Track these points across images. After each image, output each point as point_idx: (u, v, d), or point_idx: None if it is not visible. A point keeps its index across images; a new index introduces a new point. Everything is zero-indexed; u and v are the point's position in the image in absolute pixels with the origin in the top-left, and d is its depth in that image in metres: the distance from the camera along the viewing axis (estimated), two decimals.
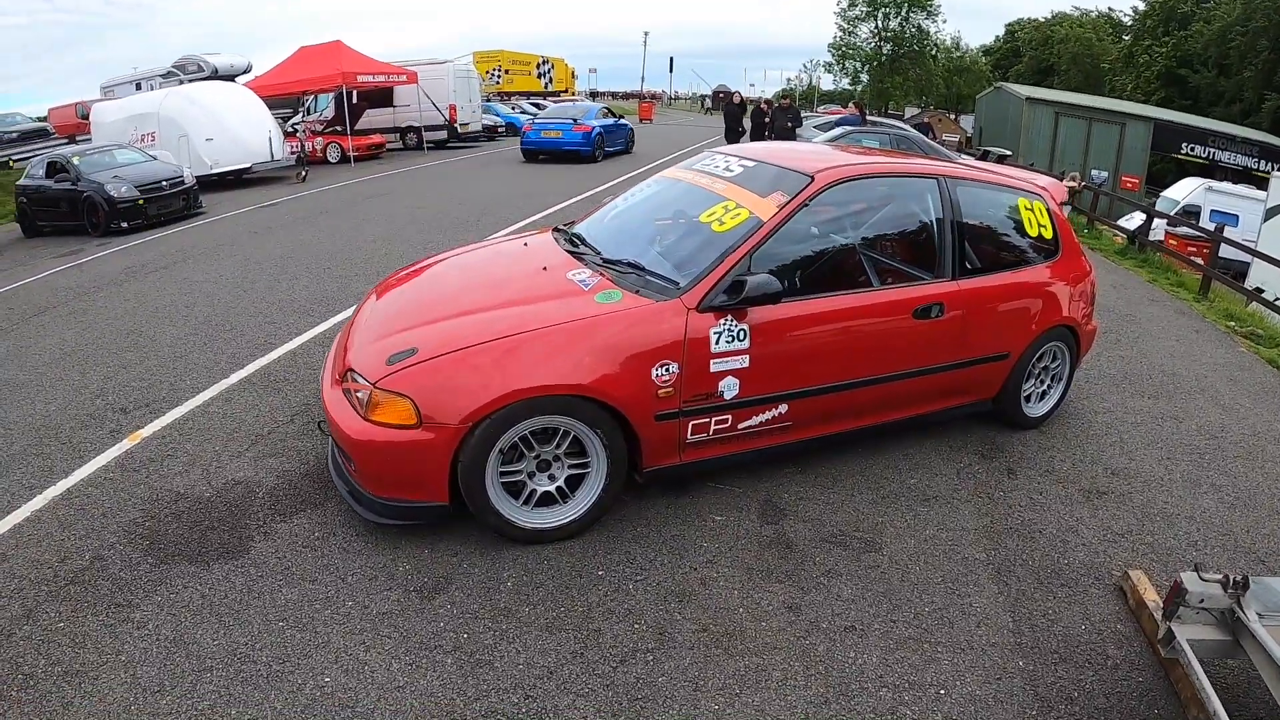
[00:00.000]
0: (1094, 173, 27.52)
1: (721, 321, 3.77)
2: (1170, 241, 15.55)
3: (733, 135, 20.97)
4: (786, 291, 3.91)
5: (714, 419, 3.91)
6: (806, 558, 3.81)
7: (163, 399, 5.67)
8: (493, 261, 5.00)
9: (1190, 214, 19.37)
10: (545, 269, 4.39)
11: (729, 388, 3.85)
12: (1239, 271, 15.21)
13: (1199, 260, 11.77)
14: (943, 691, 3.04)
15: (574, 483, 3.83)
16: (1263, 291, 12.09)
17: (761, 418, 4.04)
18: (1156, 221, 15.13)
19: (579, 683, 3.02)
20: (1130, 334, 7.89)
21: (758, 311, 3.84)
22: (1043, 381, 5.26)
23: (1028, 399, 5.18)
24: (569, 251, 4.62)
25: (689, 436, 3.92)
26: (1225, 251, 12.69)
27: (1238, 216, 19.78)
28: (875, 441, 4.88)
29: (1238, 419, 5.82)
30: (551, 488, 3.79)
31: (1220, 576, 2.86)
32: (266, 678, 3.03)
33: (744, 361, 3.84)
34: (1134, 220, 16.22)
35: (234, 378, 6.00)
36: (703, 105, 72.35)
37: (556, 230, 5.18)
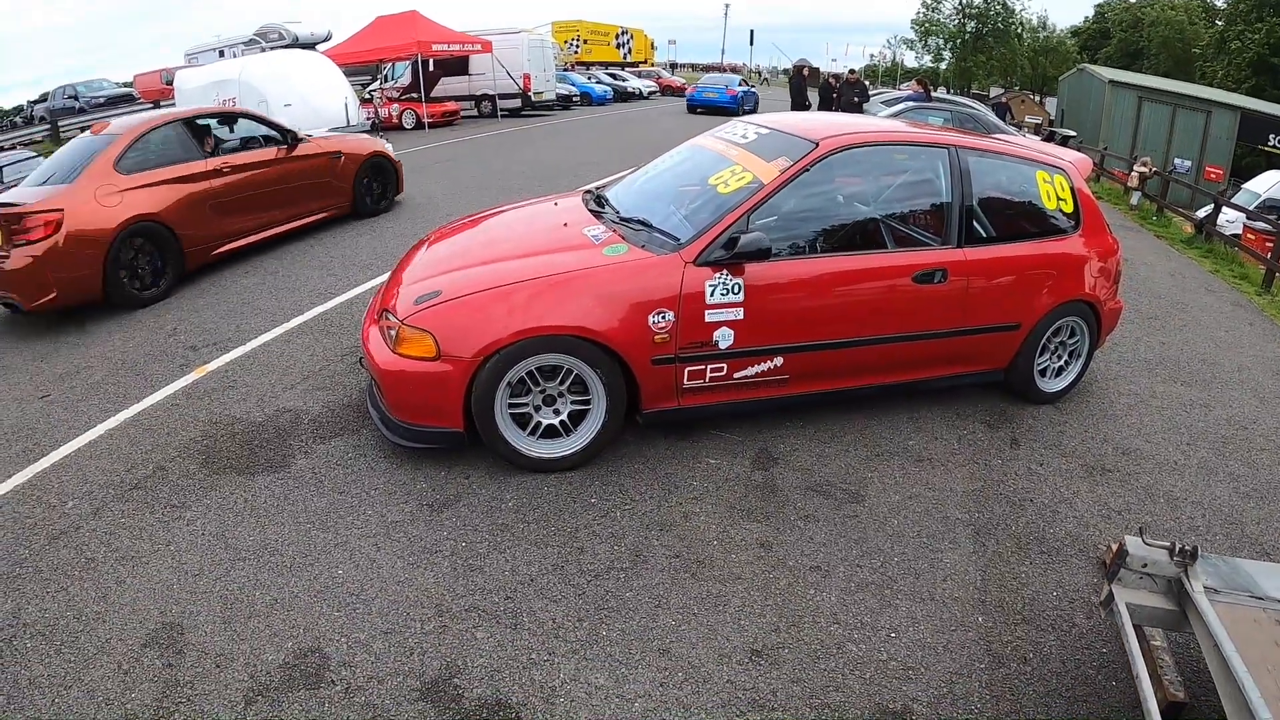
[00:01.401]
0: (1177, 161, 26.70)
1: (717, 275, 4.02)
2: (1249, 237, 15.07)
3: (799, 108, 20.80)
4: (792, 252, 4.19)
5: (709, 366, 4.16)
6: (788, 502, 4.04)
7: (229, 339, 6.16)
8: (525, 217, 5.32)
9: (1272, 209, 18.75)
10: (565, 225, 4.72)
11: (724, 338, 4.10)
12: None
13: (1265, 255, 11.40)
14: (893, 635, 3.21)
15: (577, 419, 4.16)
16: None
17: (757, 369, 4.27)
18: (1231, 214, 14.73)
19: (555, 590, 3.36)
20: (1176, 321, 7.79)
21: (754, 269, 4.08)
22: (1059, 357, 5.30)
23: (1043, 373, 5.25)
24: (592, 211, 4.92)
25: (686, 382, 4.19)
26: None
27: None
28: (883, 404, 5.05)
29: (1274, 412, 5.72)
30: (555, 421, 4.13)
31: (1167, 544, 2.84)
32: (290, 568, 3.49)
33: (739, 314, 4.08)
34: (1208, 210, 15.80)
35: (294, 321, 6.47)
36: (759, 75, 71.01)
37: (587, 192, 5.46)
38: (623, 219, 4.63)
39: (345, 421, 4.76)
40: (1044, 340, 5.10)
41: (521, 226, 5.10)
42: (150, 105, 28.47)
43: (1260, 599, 2.76)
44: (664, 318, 3.98)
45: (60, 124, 27.78)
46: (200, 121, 8.52)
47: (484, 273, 4.16)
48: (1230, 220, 16.38)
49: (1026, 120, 26.73)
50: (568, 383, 4.05)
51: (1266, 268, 10.78)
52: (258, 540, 3.67)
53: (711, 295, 4.02)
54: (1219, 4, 55.65)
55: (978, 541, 3.84)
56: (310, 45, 29.11)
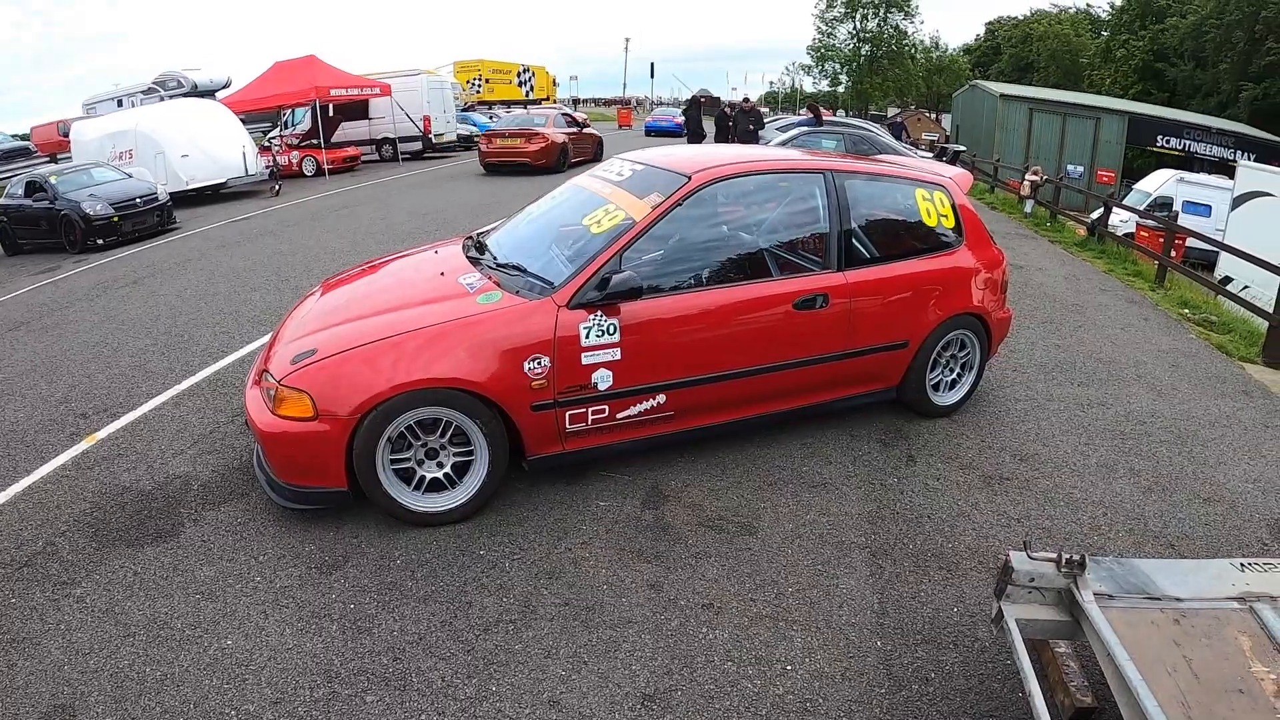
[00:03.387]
0: (1070, 168, 27.72)
1: (591, 317, 4.01)
2: (1142, 235, 15.68)
3: (695, 139, 21.02)
4: (671, 288, 4.21)
5: (591, 409, 4.14)
6: (679, 540, 4.01)
7: (119, 404, 6.01)
8: (404, 268, 5.27)
9: (1162, 206, 19.51)
10: (442, 274, 4.68)
11: (602, 379, 4.08)
12: (1210, 263, 15.34)
13: (1155, 251, 11.87)
14: (789, 667, 3.19)
15: (461, 470, 4.10)
16: (1230, 281, 12.18)
17: (640, 408, 4.26)
18: (1123, 214, 15.28)
19: (443, 647, 3.29)
20: (1071, 323, 8.03)
21: (629, 308, 4.08)
22: (952, 370, 5.40)
23: (936, 387, 5.35)
24: (470, 258, 4.88)
25: (568, 426, 4.16)
26: (1195, 243, 12.67)
27: (1210, 207, 19.97)
28: (774, 430, 5.07)
29: (1172, 404, 5.92)
30: (440, 474, 4.07)
31: (1053, 555, 2.86)
32: (179, 641, 3.38)
33: (615, 354, 4.07)
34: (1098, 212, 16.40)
35: (185, 383, 6.32)
36: (647, 108, 71.84)
37: (468, 238, 5.43)
38: (499, 265, 4.61)
39: (234, 486, 4.63)
40: (934, 355, 5.19)
41: (402, 277, 5.05)
42: (47, 159, 27.80)
43: (1157, 599, 2.80)
44: (540, 363, 3.96)
45: None
46: None
47: (359, 328, 4.11)
48: (1123, 220, 17.00)
49: (923, 137, 27.45)
50: (449, 435, 4.00)
51: (1159, 263, 11.25)
52: (147, 614, 3.56)
53: (587, 337, 4.00)
54: (1103, 15, 58.11)
55: (874, 564, 3.85)
56: (210, 92, 28.70)
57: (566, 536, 4.05)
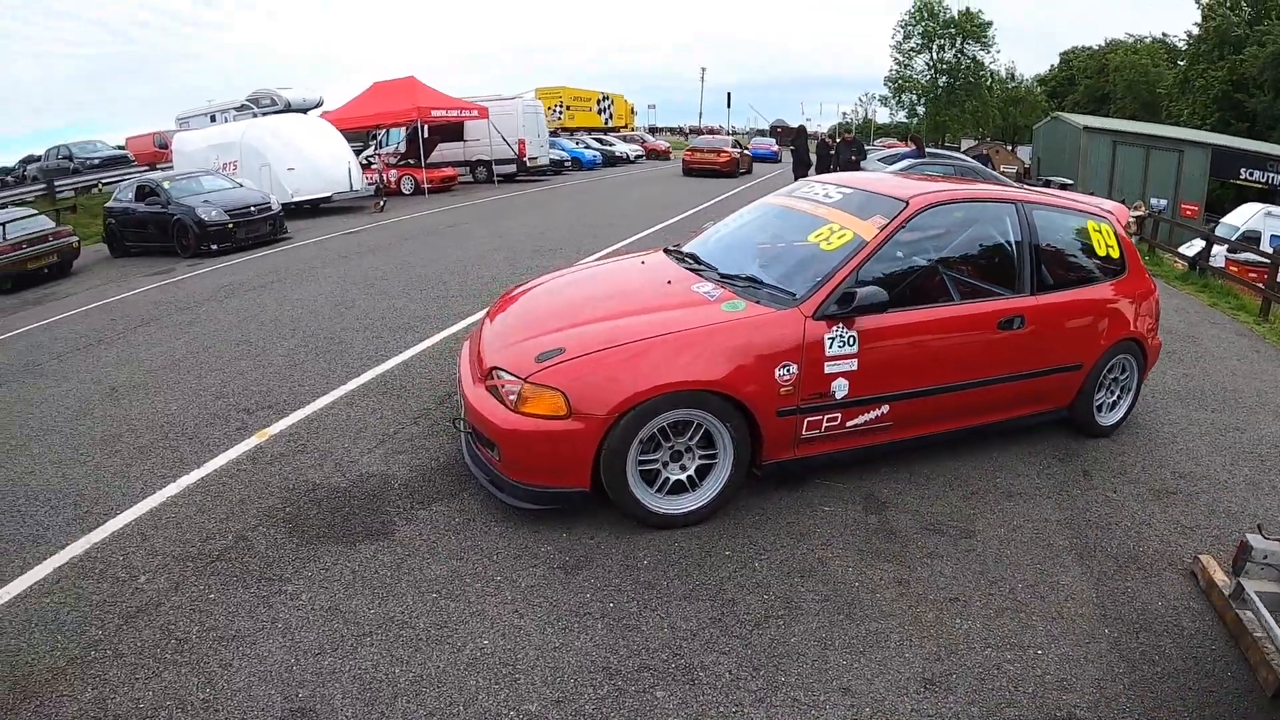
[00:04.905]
0: (1153, 201, 27.44)
1: (834, 328, 4.21)
2: (1231, 267, 15.60)
3: (801, 169, 21.33)
4: (891, 304, 4.37)
5: (825, 416, 4.33)
6: (909, 542, 4.21)
7: (284, 402, 6.09)
8: (617, 276, 5.48)
9: (1250, 239, 19.35)
10: (670, 282, 4.87)
11: (839, 388, 4.28)
12: None
13: (1260, 285, 11.87)
14: (1039, 652, 3.43)
15: (702, 473, 4.26)
16: None
17: (866, 417, 4.45)
18: (1216, 248, 15.23)
19: (720, 643, 3.42)
20: (1192, 353, 8.15)
21: (864, 320, 4.27)
22: (1113, 392, 5.58)
23: (1099, 408, 5.51)
24: (688, 269, 5.08)
25: (804, 432, 4.34)
26: None
27: None
28: (960, 446, 5.22)
29: None
30: (683, 476, 4.22)
31: None
32: (427, 641, 3.36)
33: (853, 365, 4.27)
34: (1194, 247, 16.32)
35: (352, 384, 6.40)
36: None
37: (668, 250, 5.65)
38: (725, 276, 4.78)
39: (441, 486, 4.67)
40: (1101, 377, 5.37)
41: (623, 283, 5.20)
42: (145, 168, 28.60)
43: None
44: (788, 370, 4.13)
45: (55, 184, 27.73)
46: None
47: (605, 329, 4.25)
48: (1214, 252, 16.96)
49: (1001, 169, 27.43)
50: (696, 437, 4.14)
51: (1263, 297, 11.25)
52: (380, 614, 3.53)
53: (830, 347, 4.19)
54: (1180, 45, 57.34)
55: (1083, 564, 4.08)
56: (302, 110, 29.41)
57: (804, 539, 4.22)
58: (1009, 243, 5.00)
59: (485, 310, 5.64)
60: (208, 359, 7.43)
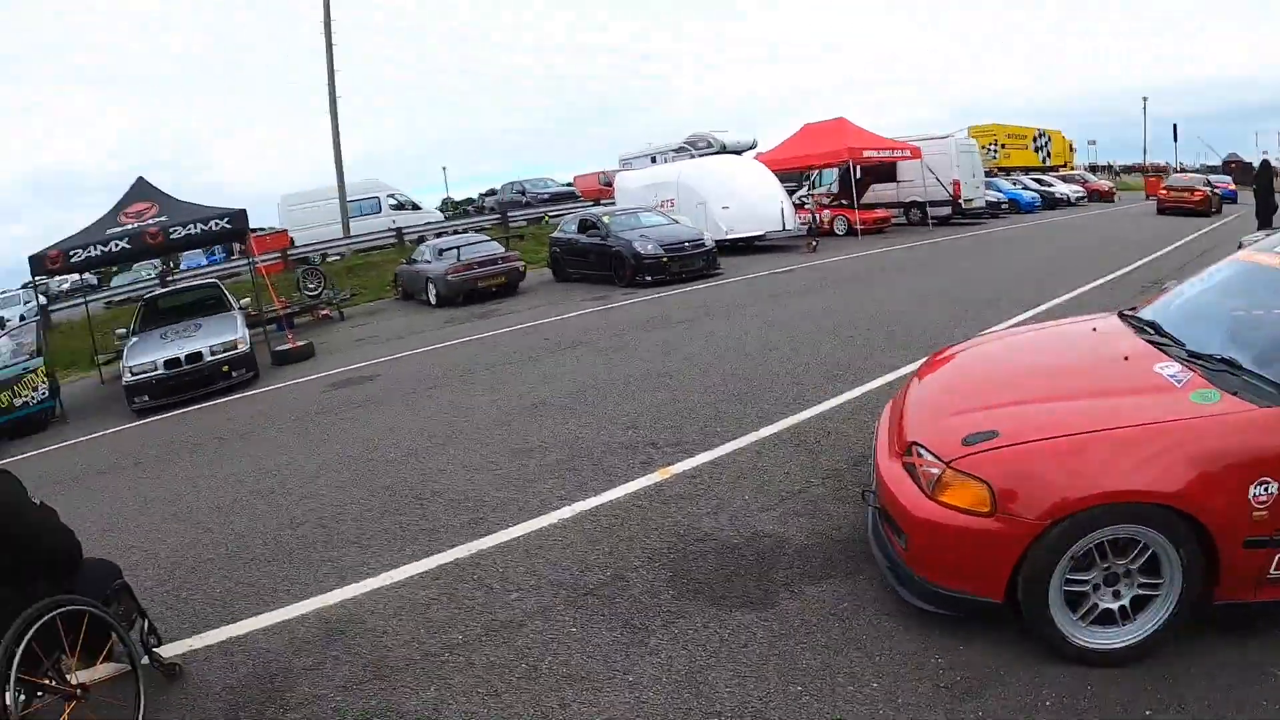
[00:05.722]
0: None
1: None
2: None
3: (1267, 211, 18.32)
4: None
5: None
6: None
7: (693, 441, 6.00)
8: (1061, 345, 4.65)
9: None
10: (1126, 358, 3.92)
11: None
12: None
13: None
14: None
15: (1137, 604, 3.31)
16: None
17: None
18: None
19: None
20: None
21: None
22: None
23: None
24: (1148, 341, 4.09)
25: (1272, 570, 3.20)
26: None
27: None
28: None
29: None
30: (1115, 605, 3.30)
31: None
32: None
33: None
34: None
35: (764, 431, 6.15)
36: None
37: (1123, 315, 4.66)
38: (1193, 355, 3.74)
39: (837, 561, 4.15)
40: None
41: (1069, 356, 4.38)
42: (590, 203, 31.23)
43: None
44: (1267, 489, 3.06)
45: (509, 214, 31.58)
46: None
47: (1044, 412, 3.50)
48: None
49: None
50: (1140, 560, 3.23)
51: None
52: (737, 695, 3.19)
53: None
54: None
55: None
56: (737, 152, 30.50)
57: (1246, 711, 3.05)
58: None
59: (913, 367, 4.99)
60: (627, 387, 7.74)
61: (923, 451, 3.61)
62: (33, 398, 11.86)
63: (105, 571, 3.77)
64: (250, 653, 4.03)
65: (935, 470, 3.46)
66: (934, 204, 25.52)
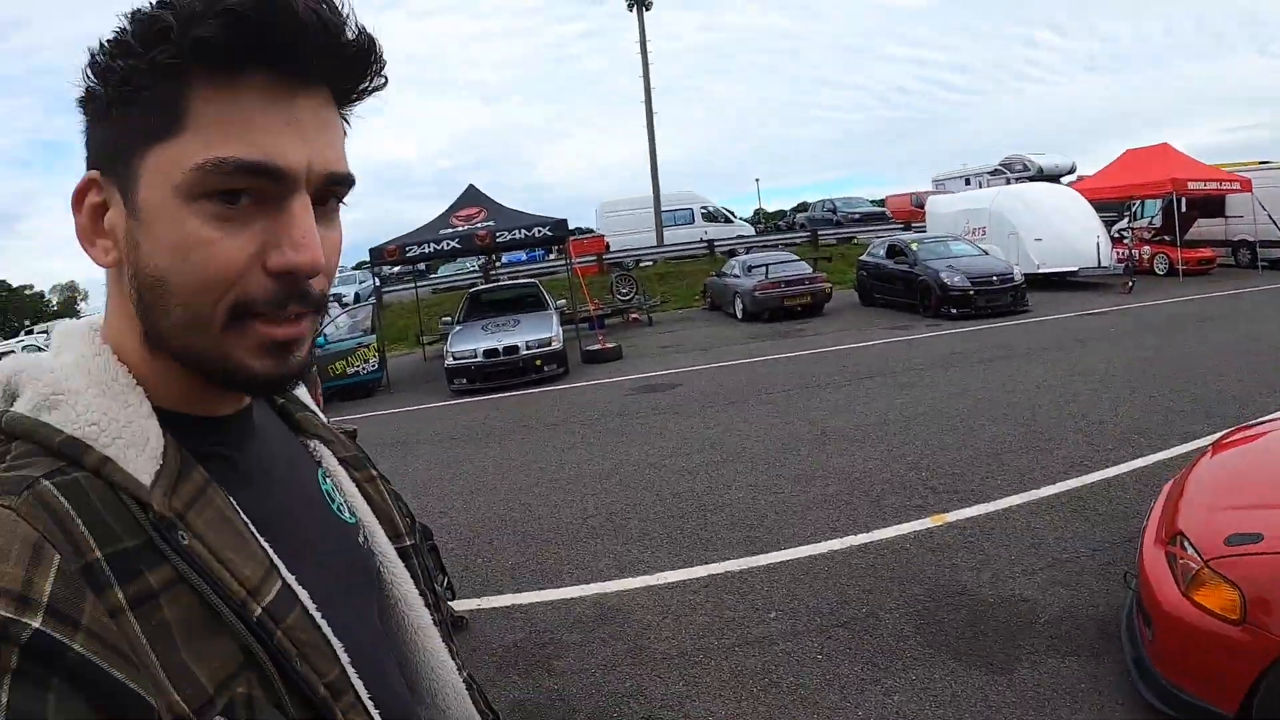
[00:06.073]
0: None
1: None
2: None
3: None
4: None
5: None
6: None
7: (971, 490, 6.06)
8: None
9: None
10: None
11: None
12: None
13: None
14: None
15: None
16: None
17: None
18: None
19: None
20: None
21: None
22: None
23: None
24: None
25: None
26: None
27: None
28: None
29: None
30: None
31: None
32: None
33: None
34: None
35: (1044, 490, 6.04)
36: None
37: None
38: None
39: (1086, 639, 4.05)
40: None
41: None
42: (901, 225, 30.82)
43: None
44: None
45: (819, 233, 31.63)
46: None
47: None
48: None
49: None
50: None
51: None
52: None
53: None
54: None
55: None
56: (1054, 177, 28.95)
57: None
58: None
59: (1212, 439, 4.84)
60: (915, 425, 7.89)
61: (1186, 544, 3.51)
62: (364, 368, 14.06)
63: (422, 532, 4.64)
64: (529, 621, 4.77)
65: (1193, 566, 3.37)
66: (1265, 244, 21.69)
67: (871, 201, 39.38)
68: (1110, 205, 24.79)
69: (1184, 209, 21.73)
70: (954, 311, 15.61)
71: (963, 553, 5.02)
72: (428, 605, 0.97)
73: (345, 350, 14.17)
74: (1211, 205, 22.83)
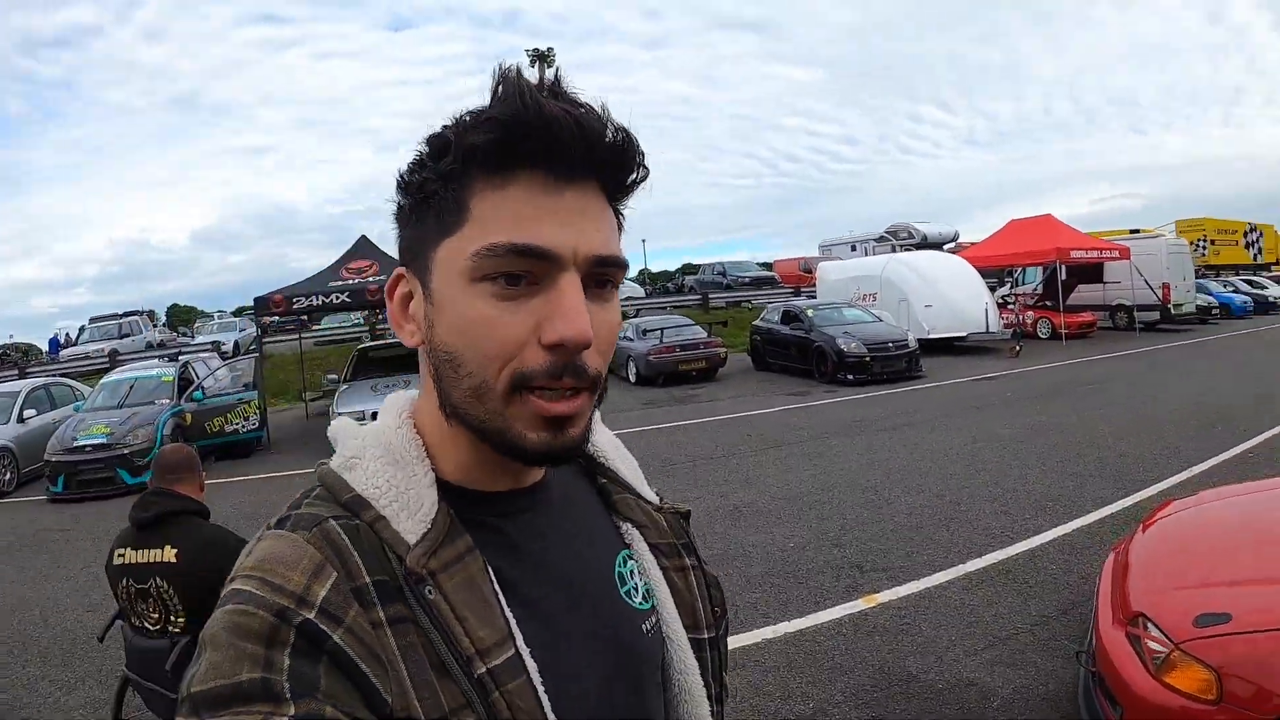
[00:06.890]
0: None
1: None
2: None
3: None
4: None
5: None
6: None
7: (899, 567, 5.92)
8: None
9: None
10: None
11: None
12: None
13: None
14: None
15: None
16: None
17: None
18: None
19: None
20: None
21: None
22: None
23: None
24: None
25: None
26: None
27: None
28: None
29: None
30: None
31: None
32: None
33: None
34: None
35: (970, 565, 5.97)
36: None
37: None
38: None
39: (1040, 717, 3.96)
40: None
41: None
42: (791, 290, 31.46)
43: None
44: None
45: (709, 296, 32.29)
46: None
47: None
48: None
49: None
50: None
51: None
52: None
53: None
54: None
55: None
56: (938, 245, 30.12)
57: None
58: None
59: (1126, 503, 4.87)
60: (830, 498, 7.73)
61: (1150, 626, 3.44)
62: (244, 426, 13.40)
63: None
64: None
65: (1162, 650, 3.31)
66: (1141, 308, 23.78)
67: (759, 265, 40.21)
68: (993, 272, 25.99)
69: (1065, 276, 23.13)
70: (850, 378, 15.74)
71: (901, 636, 4.86)
72: (709, 697, 1.01)
73: (225, 406, 13.32)
74: (1090, 272, 24.42)
